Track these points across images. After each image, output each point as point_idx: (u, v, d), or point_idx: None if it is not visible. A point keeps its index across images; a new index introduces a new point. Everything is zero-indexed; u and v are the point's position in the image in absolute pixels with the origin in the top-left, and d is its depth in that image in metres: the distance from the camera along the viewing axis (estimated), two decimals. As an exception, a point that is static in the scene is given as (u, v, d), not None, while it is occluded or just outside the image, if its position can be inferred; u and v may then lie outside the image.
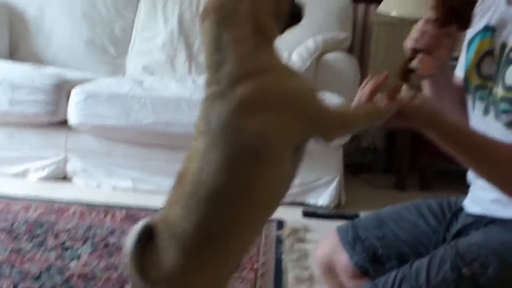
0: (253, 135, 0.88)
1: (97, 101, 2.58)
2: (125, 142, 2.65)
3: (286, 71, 0.96)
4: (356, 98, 1.04)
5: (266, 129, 0.88)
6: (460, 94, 1.15)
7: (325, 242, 1.25)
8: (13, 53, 3.27)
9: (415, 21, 2.65)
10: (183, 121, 2.48)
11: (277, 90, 0.91)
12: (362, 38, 3.28)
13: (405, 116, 0.96)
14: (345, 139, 2.49)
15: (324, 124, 0.95)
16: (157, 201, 2.45)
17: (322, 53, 2.67)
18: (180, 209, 0.90)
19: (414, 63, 1.07)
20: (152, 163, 2.65)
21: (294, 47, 2.71)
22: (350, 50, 3.01)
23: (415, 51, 1.06)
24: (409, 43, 1.07)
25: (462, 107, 1.14)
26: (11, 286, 1.53)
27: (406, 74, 1.09)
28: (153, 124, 2.52)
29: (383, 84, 1.02)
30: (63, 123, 2.67)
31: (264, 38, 0.94)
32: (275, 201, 0.95)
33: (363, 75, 2.82)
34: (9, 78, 2.65)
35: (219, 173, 0.88)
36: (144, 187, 2.65)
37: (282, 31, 1.00)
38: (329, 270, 1.22)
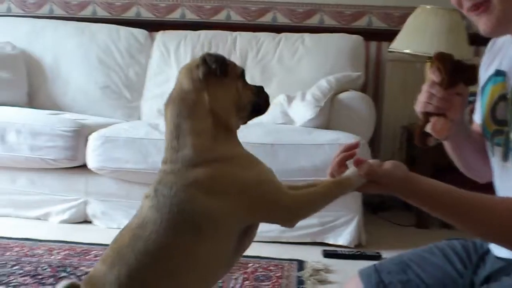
0: (198, 211, 0.92)
1: (114, 145, 2.62)
2: (143, 184, 2.67)
3: (244, 161, 0.99)
4: (329, 170, 1.04)
5: (213, 210, 0.92)
6: (480, 141, 1.13)
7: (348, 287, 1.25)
8: (32, 100, 3.35)
9: (428, 57, 2.71)
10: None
11: (231, 178, 0.95)
12: (375, 76, 3.32)
13: (376, 182, 0.94)
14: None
15: (282, 210, 0.97)
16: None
17: (335, 93, 2.70)
18: (108, 263, 0.94)
19: (428, 127, 1.04)
20: (170, 205, 2.66)
21: (307, 88, 2.75)
22: (363, 88, 3.05)
23: (427, 115, 1.04)
24: (418, 107, 1.05)
25: (484, 154, 1.12)
26: (36, 335, 1.53)
27: (423, 139, 1.07)
28: (170, 167, 2.54)
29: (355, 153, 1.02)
30: (83, 167, 2.71)
31: (224, 129, 0.98)
32: (212, 274, 0.97)
33: (378, 113, 2.84)
34: (29, 125, 2.71)
35: (157, 234, 0.91)
36: (162, 229, 2.66)
37: (246, 120, 1.05)
38: (354, 315, 1.20)
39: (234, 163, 0.96)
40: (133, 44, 3.40)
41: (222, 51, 3.30)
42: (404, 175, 0.94)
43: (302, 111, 2.62)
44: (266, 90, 1.11)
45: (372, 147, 2.61)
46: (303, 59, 3.11)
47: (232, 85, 1.00)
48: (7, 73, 3.25)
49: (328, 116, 2.63)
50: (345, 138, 2.41)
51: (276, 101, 2.77)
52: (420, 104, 1.05)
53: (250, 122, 2.91)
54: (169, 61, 3.33)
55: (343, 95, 2.72)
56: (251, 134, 2.54)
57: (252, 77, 3.20)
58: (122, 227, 2.80)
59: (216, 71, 0.97)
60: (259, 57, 3.24)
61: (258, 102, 1.05)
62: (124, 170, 2.61)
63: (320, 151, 2.41)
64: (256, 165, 0.99)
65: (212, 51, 3.30)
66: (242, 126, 1.08)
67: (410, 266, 1.14)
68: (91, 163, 2.65)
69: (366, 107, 2.68)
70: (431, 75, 1.03)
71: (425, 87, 1.04)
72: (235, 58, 3.27)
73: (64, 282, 0.94)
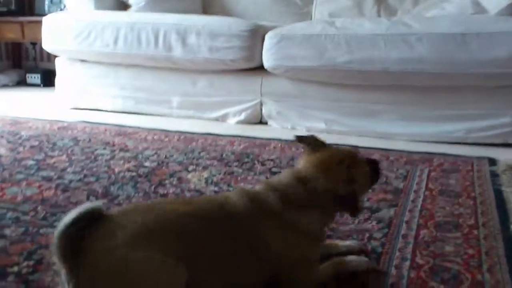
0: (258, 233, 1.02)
1: (290, 43, 2.60)
2: (318, 83, 2.64)
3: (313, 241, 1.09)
4: None
5: (267, 244, 1.02)
6: None
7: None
8: (206, 11, 3.47)
9: None
10: (379, 58, 2.40)
11: (299, 244, 1.06)
12: None
13: None
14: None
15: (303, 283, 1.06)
16: (351, 141, 2.43)
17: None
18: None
19: None
20: (345, 104, 2.61)
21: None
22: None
23: None
24: None
25: None
26: (231, 198, 1.60)
27: None
28: (348, 62, 2.47)
29: None
30: (259, 68, 2.75)
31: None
32: None
33: None
34: (208, 27, 2.79)
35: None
36: (337, 128, 2.63)
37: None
38: None
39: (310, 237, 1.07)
40: None
41: None
42: None
43: (497, -3, 2.35)
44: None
45: None
46: None
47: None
48: (183, -17, 3.39)
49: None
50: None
51: (465, -10, 2.52)
52: None
53: (437, 14, 2.69)
54: (340, -38, 3.20)
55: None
56: (439, 25, 2.35)
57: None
58: (296, 127, 2.87)
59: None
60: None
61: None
62: (299, 68, 2.59)
63: (518, 39, 2.15)
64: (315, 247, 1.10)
65: None
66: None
67: None
68: (267, 62, 2.67)
69: None
70: None
71: None
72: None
73: (90, 204, 0.92)
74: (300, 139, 1.16)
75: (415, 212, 1.51)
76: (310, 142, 1.14)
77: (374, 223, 1.42)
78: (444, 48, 2.27)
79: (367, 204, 1.57)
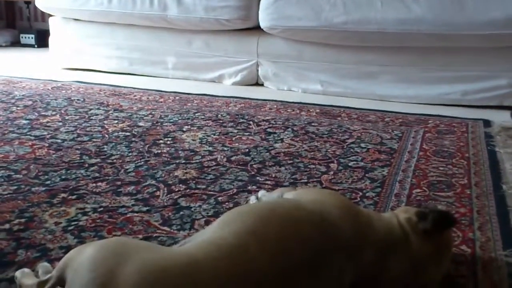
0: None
1: (287, 3, 2.56)
2: (314, 44, 2.61)
3: None
4: None
5: None
6: None
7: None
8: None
9: None
10: (376, 19, 2.36)
11: None
12: None
13: None
14: None
15: None
16: (347, 102, 2.43)
17: None
18: None
19: None
20: (341, 65, 2.58)
21: None
22: None
23: None
24: None
25: None
26: (225, 158, 1.60)
27: None
28: (344, 23, 2.43)
29: None
30: (255, 29, 2.71)
31: None
32: None
33: None
34: (204, -15, 2.73)
35: None
36: (333, 90, 2.61)
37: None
38: None
39: None
40: None
41: None
42: None
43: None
44: None
45: None
46: None
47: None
48: None
49: None
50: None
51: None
52: None
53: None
54: None
55: None
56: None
57: None
58: (292, 88, 2.87)
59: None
60: None
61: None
62: (296, 28, 2.55)
63: (518, -1, 2.12)
64: None
65: None
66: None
67: None
68: (263, 22, 2.63)
69: None
70: None
71: None
72: None
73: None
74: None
75: (408, 172, 1.52)
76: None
77: (367, 182, 1.43)
78: (441, 8, 2.24)
79: (361, 164, 1.57)
